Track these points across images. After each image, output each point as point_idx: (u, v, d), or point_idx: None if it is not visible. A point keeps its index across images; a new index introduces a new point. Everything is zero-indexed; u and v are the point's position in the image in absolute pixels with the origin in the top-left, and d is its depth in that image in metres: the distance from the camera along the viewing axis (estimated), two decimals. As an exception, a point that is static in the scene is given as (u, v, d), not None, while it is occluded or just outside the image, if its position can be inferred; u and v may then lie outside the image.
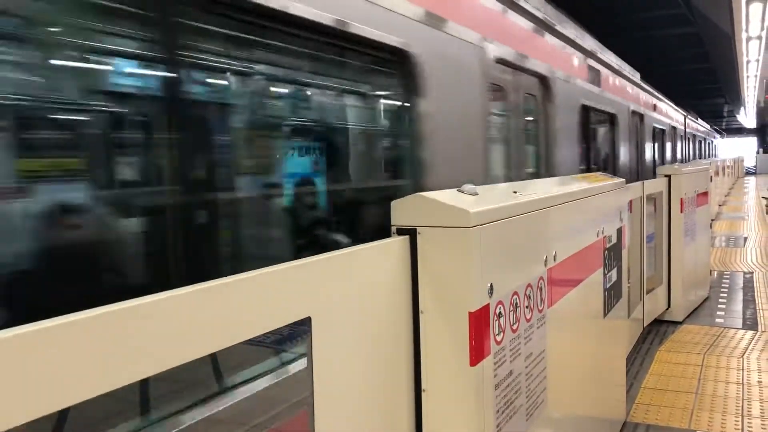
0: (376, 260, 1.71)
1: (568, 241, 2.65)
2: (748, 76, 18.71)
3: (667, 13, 12.88)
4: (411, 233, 1.82)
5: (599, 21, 11.64)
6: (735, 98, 29.35)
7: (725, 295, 7.06)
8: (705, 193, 7.06)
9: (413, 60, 2.64)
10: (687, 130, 15.44)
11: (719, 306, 6.58)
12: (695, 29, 14.26)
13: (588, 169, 6.09)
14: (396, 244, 1.80)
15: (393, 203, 1.86)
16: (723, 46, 14.88)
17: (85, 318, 1.01)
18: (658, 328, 5.85)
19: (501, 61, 3.72)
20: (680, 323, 5.99)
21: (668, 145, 11.96)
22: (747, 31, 11.86)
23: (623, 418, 3.82)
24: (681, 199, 6.05)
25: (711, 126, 28.77)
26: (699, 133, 19.90)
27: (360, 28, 2.29)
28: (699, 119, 21.98)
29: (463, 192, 1.98)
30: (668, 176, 6.11)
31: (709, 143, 24.31)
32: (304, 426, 1.53)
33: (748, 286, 7.39)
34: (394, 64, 2.65)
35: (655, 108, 10.34)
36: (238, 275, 1.31)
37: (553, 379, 2.41)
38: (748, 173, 41.88)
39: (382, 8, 2.44)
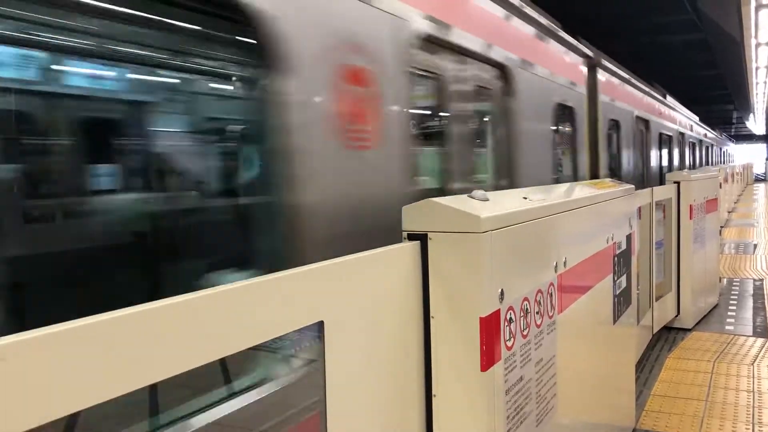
0: (388, 265, 1.72)
1: (578, 247, 2.65)
2: (757, 83, 18.65)
3: (676, 19, 12.86)
4: (422, 238, 1.83)
5: (607, 26, 11.64)
6: (744, 105, 29.23)
7: (735, 302, 7.02)
8: (714, 200, 7.03)
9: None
10: (715, 143, 25.58)
11: (729, 313, 6.55)
12: (704, 35, 14.22)
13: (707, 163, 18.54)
14: (407, 249, 1.80)
15: (404, 208, 1.87)
16: (732, 53, 14.83)
17: (98, 322, 1.02)
18: (667, 335, 5.82)
19: (682, 134, 12.91)
20: (690, 330, 5.97)
21: (709, 152, 21.51)
22: (756, 37, 11.84)
23: (632, 425, 3.81)
24: (690, 205, 6.04)
25: (725, 134, 34.47)
26: (722, 145, 30.71)
27: None
28: (723, 135, 34.56)
29: (473, 198, 1.99)
30: (677, 183, 6.09)
31: (726, 150, 35.84)
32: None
33: (758, 293, 7.35)
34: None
35: (706, 135, 19.50)
36: (252, 279, 1.33)
37: (563, 385, 2.41)
38: (758, 180, 41.66)
39: None
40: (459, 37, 3.26)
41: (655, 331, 5.63)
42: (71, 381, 0.97)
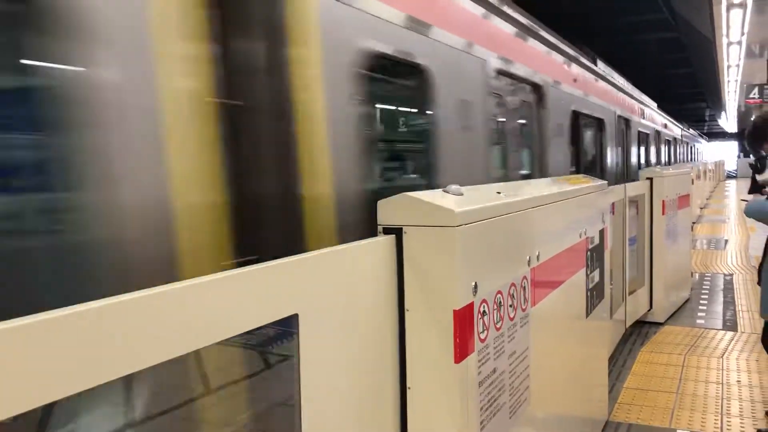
0: (363, 259, 1.74)
1: (551, 241, 2.69)
2: (729, 81, 19.02)
3: (649, 18, 13.06)
4: (397, 232, 1.85)
5: (581, 24, 11.78)
6: (716, 103, 29.79)
7: (706, 296, 7.18)
8: (686, 196, 7.17)
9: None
10: (695, 142, 30.70)
11: (700, 307, 6.69)
12: (677, 34, 14.47)
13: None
14: (382, 243, 1.82)
15: (380, 203, 1.89)
16: (704, 51, 15.11)
17: (69, 314, 1.01)
18: (640, 329, 5.94)
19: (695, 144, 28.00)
20: (662, 324, 6.09)
21: (693, 150, 26.81)
22: (728, 36, 12.07)
23: (605, 417, 3.88)
24: (663, 201, 6.15)
25: (698, 132, 38.92)
26: (698, 143, 34.46)
27: None
28: (702, 136, 40.81)
29: (448, 192, 2.02)
30: (650, 179, 6.20)
31: (699, 148, 39.46)
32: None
33: (728, 288, 7.52)
34: None
35: (696, 138, 26.08)
36: (226, 272, 1.33)
37: (536, 377, 2.45)
38: (729, 177, 42.47)
39: None
40: (687, 138, 14.70)
41: (628, 325, 5.74)
42: (38, 373, 0.97)
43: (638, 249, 6.20)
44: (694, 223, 13.15)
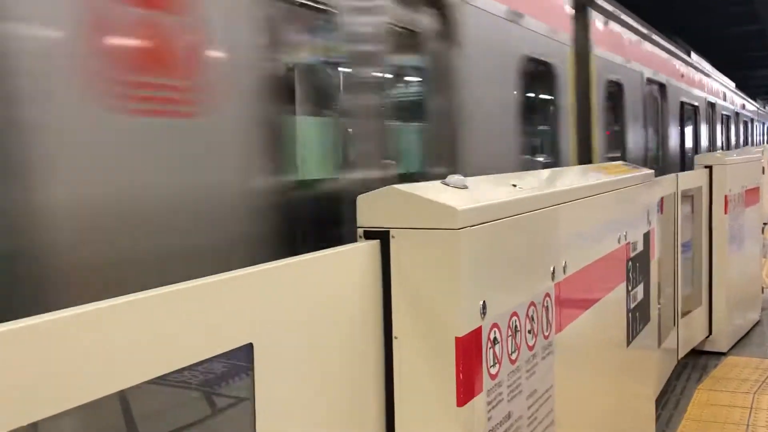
0: (338, 271, 1.73)
1: (582, 248, 2.70)
2: (808, 43, 19.17)
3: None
4: (383, 237, 1.84)
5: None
6: (793, 70, 30.07)
7: (780, 318, 7.23)
8: (755, 189, 7.21)
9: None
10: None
11: (773, 332, 6.74)
12: (744, -17, 14.58)
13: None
14: (363, 250, 1.81)
15: (359, 198, 1.88)
16: (778, 5, 15.22)
17: None
18: (696, 361, 5.97)
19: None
20: (724, 354, 6.13)
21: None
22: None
23: (652, 474, 3.91)
24: (725, 196, 6.18)
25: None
26: None
27: None
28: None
29: (448, 185, 2.01)
30: (709, 167, 6.21)
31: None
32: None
33: (809, 308, 7.58)
34: None
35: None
36: (158, 289, 1.31)
37: (563, 424, 2.45)
38: None
39: None
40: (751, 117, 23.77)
41: (680, 356, 5.76)
42: None
43: (694, 258, 6.23)
44: (765, 224, 13.24)
